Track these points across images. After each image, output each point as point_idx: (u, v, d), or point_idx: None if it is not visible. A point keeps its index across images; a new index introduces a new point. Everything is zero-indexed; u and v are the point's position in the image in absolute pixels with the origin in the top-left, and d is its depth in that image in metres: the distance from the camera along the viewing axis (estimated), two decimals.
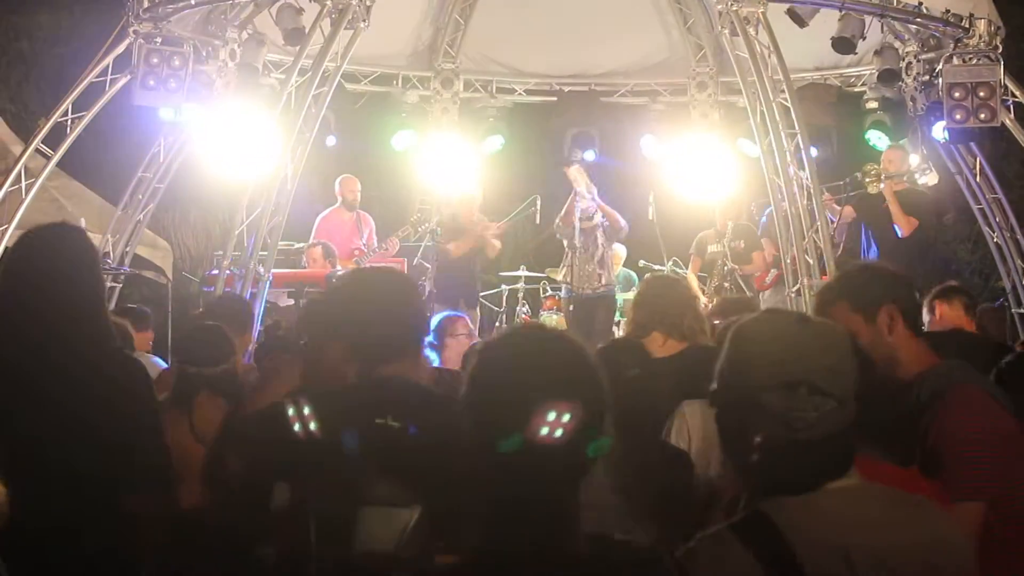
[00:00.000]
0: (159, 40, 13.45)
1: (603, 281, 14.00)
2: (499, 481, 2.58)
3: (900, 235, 12.38)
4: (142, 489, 4.01)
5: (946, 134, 13.46)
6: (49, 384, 3.93)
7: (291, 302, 12.74)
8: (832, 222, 12.65)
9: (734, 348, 2.87)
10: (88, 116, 14.24)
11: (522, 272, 16.13)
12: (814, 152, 12.92)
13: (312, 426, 3.80)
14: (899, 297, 4.02)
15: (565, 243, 14.21)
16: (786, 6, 12.63)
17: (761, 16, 12.18)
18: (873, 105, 14.89)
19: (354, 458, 3.65)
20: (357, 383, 3.87)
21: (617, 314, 14.26)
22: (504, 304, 16.21)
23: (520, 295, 16.19)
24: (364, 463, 3.64)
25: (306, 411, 3.89)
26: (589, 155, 16.09)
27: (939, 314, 8.30)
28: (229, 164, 13.40)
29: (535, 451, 2.52)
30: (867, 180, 12.64)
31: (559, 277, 14.72)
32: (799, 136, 12.14)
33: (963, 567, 2.81)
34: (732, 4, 12.13)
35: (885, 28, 13.60)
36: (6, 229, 13.93)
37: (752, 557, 2.66)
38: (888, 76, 14.01)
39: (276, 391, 4.80)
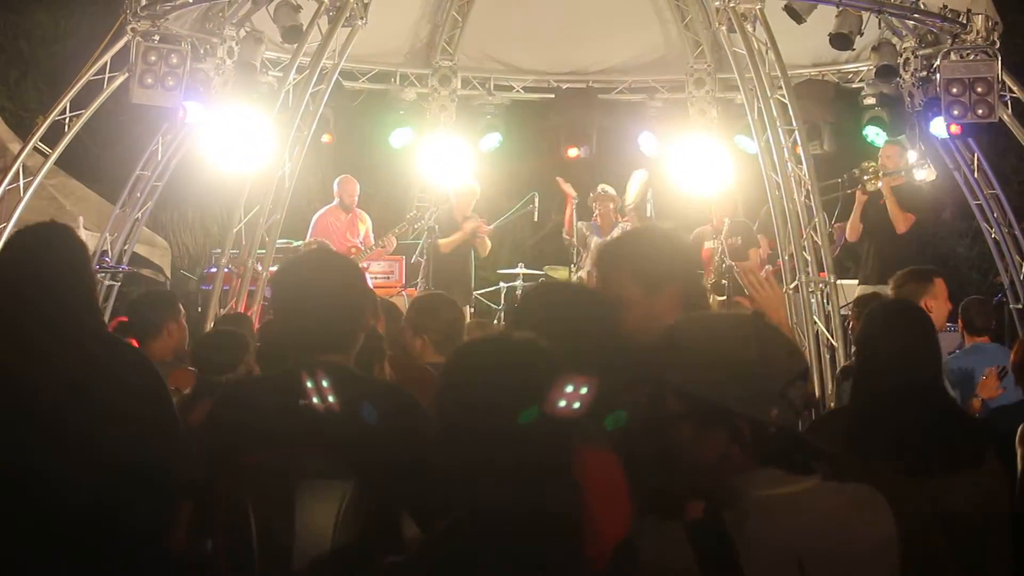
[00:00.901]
0: (157, 38, 13.46)
1: None
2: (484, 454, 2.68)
3: (897, 231, 12.39)
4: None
5: (954, 129, 13.45)
6: (56, 379, 3.94)
7: None
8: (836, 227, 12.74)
9: (714, 354, 2.85)
10: (86, 114, 14.25)
11: (520, 270, 16.11)
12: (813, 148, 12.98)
13: (246, 409, 3.87)
14: (686, 277, 3.93)
15: (572, 250, 14.39)
16: (784, 2, 12.64)
17: (759, 12, 12.19)
18: (871, 101, 14.91)
19: (287, 439, 3.71)
20: (292, 367, 3.93)
21: None
22: (502, 302, 16.20)
23: (518, 292, 16.19)
24: (297, 442, 3.70)
25: (242, 396, 3.97)
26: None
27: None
28: (227, 162, 13.41)
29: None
30: (865, 178, 12.64)
31: (563, 272, 14.82)
32: (797, 132, 12.15)
33: (893, 555, 2.85)
34: (729, 0, 12.14)
35: (883, 24, 13.60)
36: (4, 227, 13.93)
37: (694, 560, 2.68)
38: (886, 72, 14.02)
39: None
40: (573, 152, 16.33)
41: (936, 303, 7.86)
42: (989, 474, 4.56)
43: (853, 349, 8.29)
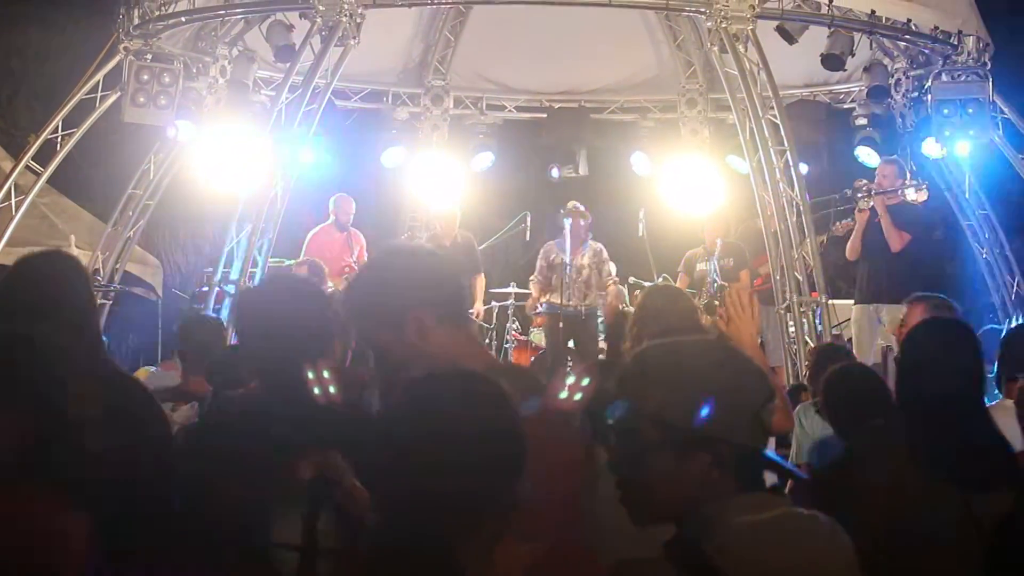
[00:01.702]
0: (149, 57, 13.51)
1: (587, 301, 14.13)
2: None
3: (892, 250, 12.38)
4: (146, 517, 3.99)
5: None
6: (49, 408, 3.91)
7: None
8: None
9: (678, 384, 2.84)
10: (78, 133, 14.26)
11: (512, 289, 16.10)
12: (804, 168, 12.99)
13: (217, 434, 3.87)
14: (426, 297, 3.80)
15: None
16: (775, 23, 12.66)
17: (750, 33, 12.21)
18: (862, 121, 14.91)
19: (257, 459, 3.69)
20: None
21: (600, 331, 14.26)
22: (494, 321, 16.18)
23: (510, 311, 16.17)
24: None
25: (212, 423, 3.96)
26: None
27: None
28: (219, 181, 13.41)
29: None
30: (859, 196, 12.65)
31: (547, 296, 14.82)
32: (788, 153, 12.16)
33: None
34: (721, 21, 12.15)
35: (874, 45, 13.67)
36: None
37: None
38: (877, 92, 14.06)
39: None
40: (555, 173, 16.38)
41: None
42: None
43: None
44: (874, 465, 4.50)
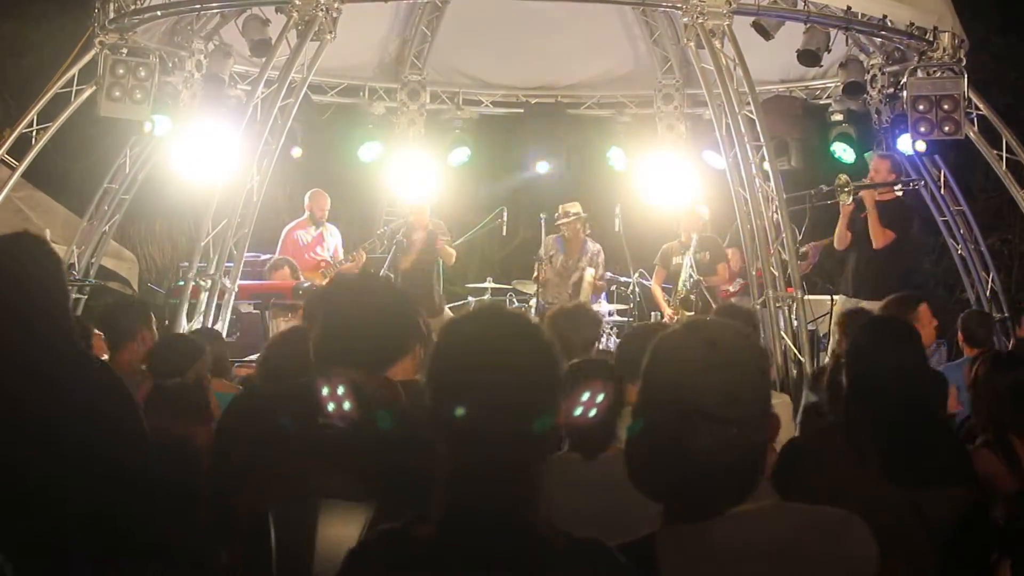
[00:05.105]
0: (125, 51, 13.45)
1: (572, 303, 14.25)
2: (455, 451, 2.61)
3: (874, 246, 12.39)
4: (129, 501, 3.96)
5: (919, 146, 13.52)
6: (21, 392, 3.89)
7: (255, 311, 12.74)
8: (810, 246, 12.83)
9: (645, 367, 2.81)
10: (54, 127, 14.21)
11: (489, 284, 16.11)
12: (781, 164, 13.02)
13: (264, 420, 3.83)
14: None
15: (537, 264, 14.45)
16: (752, 19, 12.67)
17: (727, 29, 12.19)
18: (838, 117, 14.94)
19: (309, 455, 3.65)
20: (309, 379, 3.88)
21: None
22: None
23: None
24: (319, 459, 3.64)
25: (257, 406, 3.92)
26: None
27: None
28: (195, 175, 13.37)
29: (483, 421, 2.57)
30: (844, 190, 12.65)
31: (531, 287, 14.88)
32: (764, 148, 12.16)
33: None
34: (698, 17, 12.13)
35: (850, 41, 13.68)
36: None
37: None
38: (853, 88, 14.08)
39: None
40: (543, 167, 16.36)
41: (919, 327, 7.94)
42: (974, 492, 4.59)
43: (829, 360, 8.39)
44: (818, 466, 4.49)
